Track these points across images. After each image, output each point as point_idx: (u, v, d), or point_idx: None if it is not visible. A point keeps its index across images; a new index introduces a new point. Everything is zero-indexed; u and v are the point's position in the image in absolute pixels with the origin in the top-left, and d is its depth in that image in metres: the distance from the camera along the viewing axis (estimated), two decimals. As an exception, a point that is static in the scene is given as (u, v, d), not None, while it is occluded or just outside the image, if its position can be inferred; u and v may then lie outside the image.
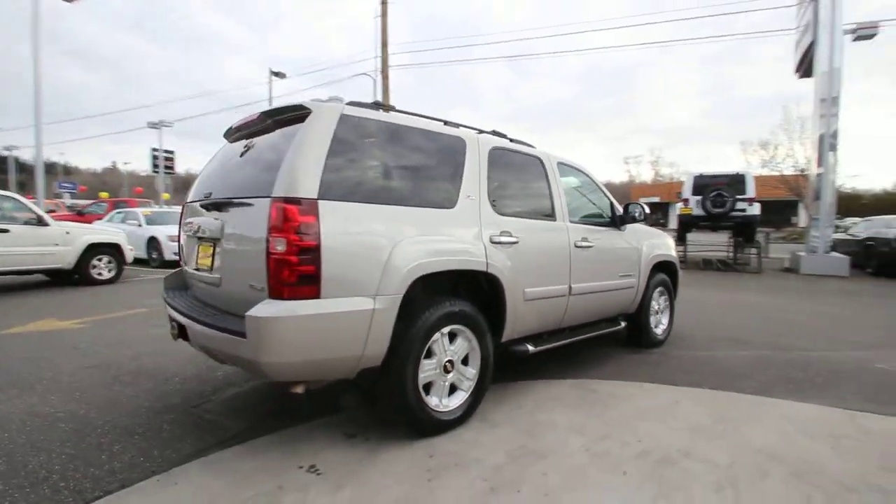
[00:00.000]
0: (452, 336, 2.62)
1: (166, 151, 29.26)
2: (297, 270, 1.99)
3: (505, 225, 2.91)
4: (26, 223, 7.38)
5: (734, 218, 11.40)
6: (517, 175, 3.28)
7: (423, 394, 2.45)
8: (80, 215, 17.52)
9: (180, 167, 31.94)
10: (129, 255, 8.93)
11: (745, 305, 7.06)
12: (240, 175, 2.56)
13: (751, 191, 11.44)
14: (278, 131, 2.45)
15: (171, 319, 2.61)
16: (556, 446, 2.44)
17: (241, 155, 2.69)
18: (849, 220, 20.32)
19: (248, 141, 2.69)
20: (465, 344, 2.68)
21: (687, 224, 12.25)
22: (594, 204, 3.99)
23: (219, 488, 2.04)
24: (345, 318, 2.11)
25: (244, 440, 2.50)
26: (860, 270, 11.08)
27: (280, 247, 1.99)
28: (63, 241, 7.88)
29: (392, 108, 2.72)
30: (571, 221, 3.51)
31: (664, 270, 4.63)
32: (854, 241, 11.78)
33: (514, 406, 2.98)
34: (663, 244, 4.61)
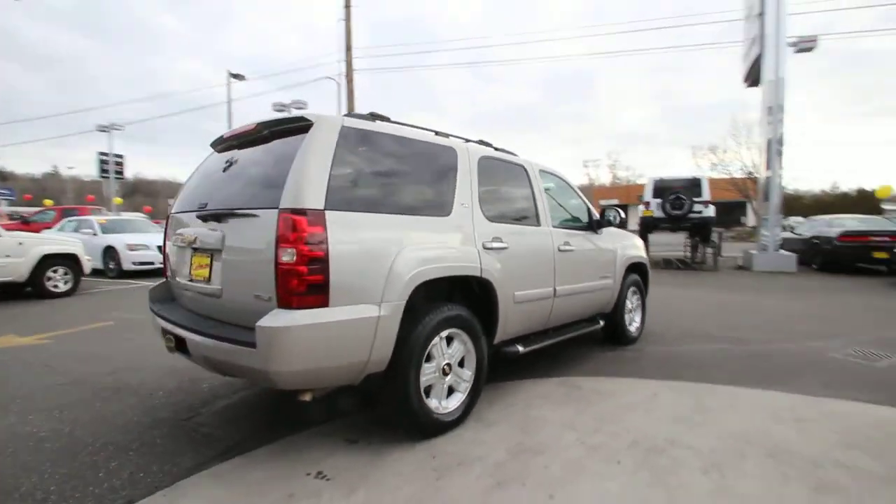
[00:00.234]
0: (449, 340, 2.71)
1: (116, 155, 27.94)
2: (307, 280, 2.03)
3: (495, 231, 3.02)
4: (-26, 234, 6.95)
5: (692, 219, 12.02)
6: (504, 182, 3.41)
7: (424, 396, 2.52)
8: (26, 224, 16.43)
9: (128, 172, 30.48)
10: (88, 265, 8.53)
11: (707, 302, 7.48)
12: (237, 186, 2.56)
13: (706, 194, 12.11)
14: (277, 142, 2.47)
15: (166, 332, 2.56)
16: (551, 441, 2.57)
17: (234, 166, 2.68)
18: (791, 220, 21.67)
19: (243, 151, 2.69)
20: (461, 347, 2.77)
21: (648, 225, 12.80)
22: (573, 209, 4.17)
23: (230, 500, 2.04)
24: (352, 325, 2.16)
25: (244, 451, 2.49)
26: (806, 267, 11.90)
27: (289, 257, 2.02)
28: (15, 252, 7.46)
29: (387, 119, 2.78)
30: (554, 226, 3.67)
31: (636, 271, 4.87)
32: (800, 240, 12.63)
33: (505, 405, 3.09)
34: (635, 246, 4.85)
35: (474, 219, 2.91)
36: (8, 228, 10.55)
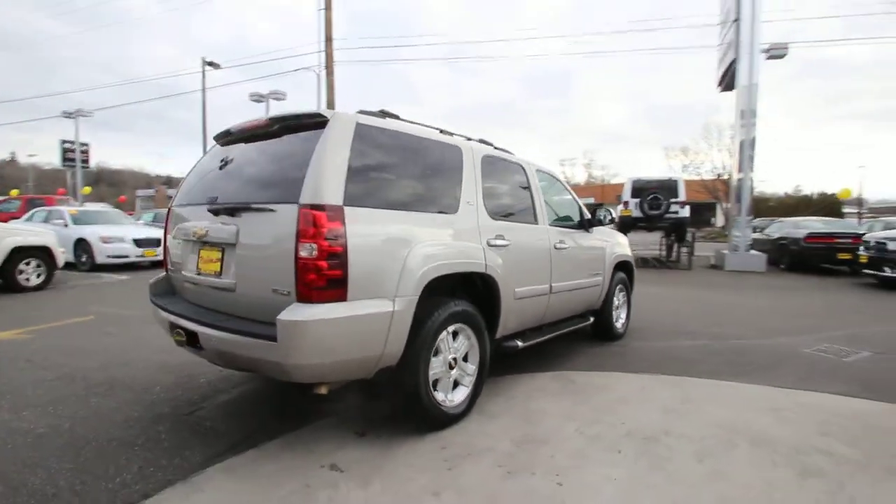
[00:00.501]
0: (455, 334, 2.78)
1: (82, 144, 26.82)
2: (326, 275, 2.06)
3: (498, 229, 3.10)
4: (-59, 224, 6.63)
5: (669, 219, 12.39)
6: (505, 181, 3.50)
7: (432, 390, 2.59)
8: (-12, 214, 15.70)
9: (91, 160, 29.20)
10: (61, 258, 8.24)
11: (685, 299, 7.76)
12: (250, 180, 2.56)
13: (682, 194, 12.50)
14: (289, 137, 2.48)
15: (174, 326, 2.55)
16: (553, 432, 2.67)
17: (243, 160, 2.68)
18: (757, 221, 22.53)
19: (252, 145, 2.69)
20: (465, 342, 2.85)
21: (627, 225, 13.12)
22: (567, 208, 4.29)
23: (246, 492, 2.07)
24: (368, 319, 2.20)
25: (253, 445, 2.51)
26: (775, 267, 12.44)
27: (309, 252, 2.05)
28: (-16, 243, 7.15)
29: (396, 116, 2.82)
30: (550, 224, 3.78)
31: (623, 269, 5.05)
32: (769, 241, 13.17)
33: (506, 398, 3.18)
34: (622, 245, 5.02)
35: (479, 216, 2.98)
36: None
